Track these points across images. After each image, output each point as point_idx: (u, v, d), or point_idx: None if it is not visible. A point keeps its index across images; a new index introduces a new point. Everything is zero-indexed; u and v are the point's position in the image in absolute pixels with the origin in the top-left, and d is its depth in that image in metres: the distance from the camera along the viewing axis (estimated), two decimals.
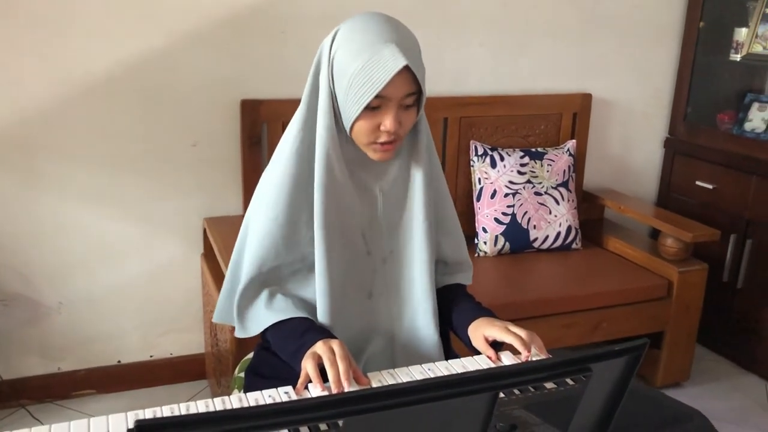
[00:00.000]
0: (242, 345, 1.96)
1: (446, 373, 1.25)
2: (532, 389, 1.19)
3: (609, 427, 0.94)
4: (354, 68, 1.21)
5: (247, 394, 1.17)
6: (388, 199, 1.40)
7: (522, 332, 1.29)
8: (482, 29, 2.69)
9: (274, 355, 1.44)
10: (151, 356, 2.56)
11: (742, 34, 2.90)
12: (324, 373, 1.16)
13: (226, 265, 2.01)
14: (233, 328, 1.95)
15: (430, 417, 0.79)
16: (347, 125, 1.27)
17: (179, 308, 2.54)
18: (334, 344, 1.20)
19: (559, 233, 2.68)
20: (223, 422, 0.71)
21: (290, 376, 1.36)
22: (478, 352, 1.37)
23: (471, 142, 2.68)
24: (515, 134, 2.80)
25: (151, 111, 2.34)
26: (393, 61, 1.19)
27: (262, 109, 2.41)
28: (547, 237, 2.67)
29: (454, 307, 1.45)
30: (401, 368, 1.27)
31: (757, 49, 2.86)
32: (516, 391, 1.17)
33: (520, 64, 2.80)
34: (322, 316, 1.34)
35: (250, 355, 1.69)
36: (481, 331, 1.34)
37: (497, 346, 1.34)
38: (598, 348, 0.86)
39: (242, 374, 1.64)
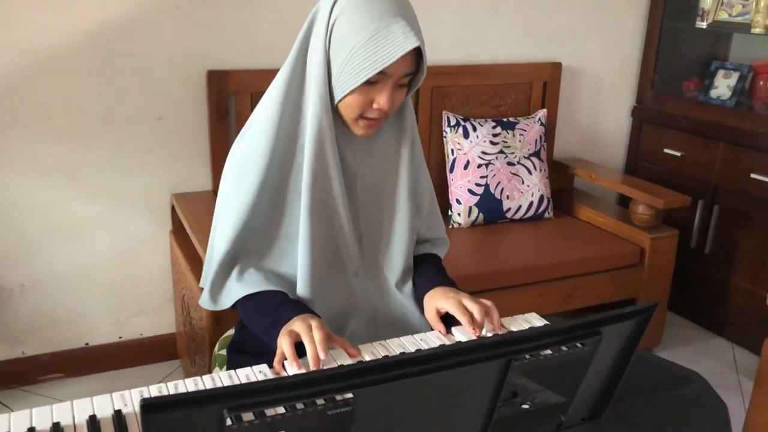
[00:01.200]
0: (219, 322, 1.91)
1: (438, 343, 1.23)
2: (528, 357, 1.18)
3: (616, 390, 0.93)
4: (359, 40, 1.16)
5: (237, 371, 1.12)
6: (368, 176, 1.36)
7: (475, 308, 1.23)
8: None
9: None
10: (120, 337, 2.49)
11: (707, 1, 2.92)
12: (301, 350, 1.12)
13: (200, 241, 1.97)
14: None
15: (443, 386, 0.77)
16: (338, 96, 1.22)
17: (148, 287, 2.47)
18: (312, 320, 1.16)
19: (531, 203, 2.68)
20: (230, 398, 0.67)
21: (275, 352, 1.33)
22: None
23: (443, 112, 2.65)
24: (486, 104, 2.77)
25: (114, 83, 2.25)
26: (404, 40, 1.15)
27: (230, 80, 2.33)
28: (520, 207, 2.66)
29: (416, 276, 1.42)
30: (392, 339, 1.24)
31: (723, 16, 2.88)
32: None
33: (490, 33, 2.77)
34: (302, 292, 1.30)
35: (231, 332, 1.65)
36: (433, 303, 1.31)
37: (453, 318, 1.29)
38: (608, 311, 0.85)
39: (223, 352, 1.59)
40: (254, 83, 2.35)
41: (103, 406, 0.95)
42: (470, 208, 2.60)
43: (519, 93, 2.83)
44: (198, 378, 1.09)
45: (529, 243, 2.57)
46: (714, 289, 2.85)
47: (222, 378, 1.09)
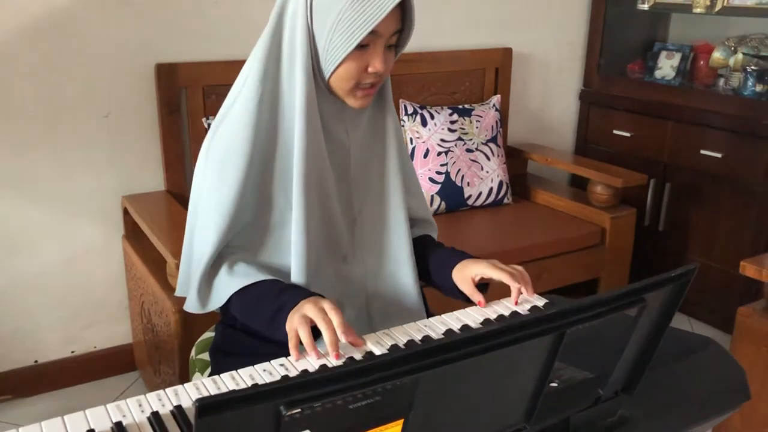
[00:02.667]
0: (189, 326, 1.81)
1: (444, 328, 1.18)
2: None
3: (651, 360, 0.91)
4: (344, 1, 1.10)
5: (240, 371, 1.05)
6: (359, 152, 1.30)
7: (511, 268, 1.23)
8: None
9: (242, 331, 1.32)
10: (72, 352, 2.33)
11: None
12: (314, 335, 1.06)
13: (163, 243, 1.85)
14: (176, 310, 1.81)
15: (498, 362, 0.72)
16: (330, 69, 1.16)
17: (101, 297, 2.32)
18: (325, 303, 1.10)
19: (491, 189, 2.67)
20: (287, 392, 0.60)
21: (268, 352, 1.24)
22: (465, 299, 1.30)
23: (400, 101, 2.61)
24: (441, 91, 2.75)
25: (55, 79, 2.10)
26: None
27: (180, 73, 2.22)
28: (480, 193, 2.65)
29: (431, 255, 1.37)
30: (396, 328, 1.18)
31: None
32: None
33: (443, 21, 2.74)
34: (297, 281, 1.22)
35: (207, 335, 1.56)
36: (467, 272, 1.27)
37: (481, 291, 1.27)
38: (652, 278, 0.82)
39: (203, 356, 1.50)
40: (206, 76, 2.24)
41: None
42: (432, 197, 2.57)
43: (473, 79, 2.81)
44: (200, 382, 1.01)
45: (493, 229, 2.56)
46: (669, 266, 2.90)
47: (225, 381, 1.01)
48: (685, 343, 1.08)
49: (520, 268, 1.25)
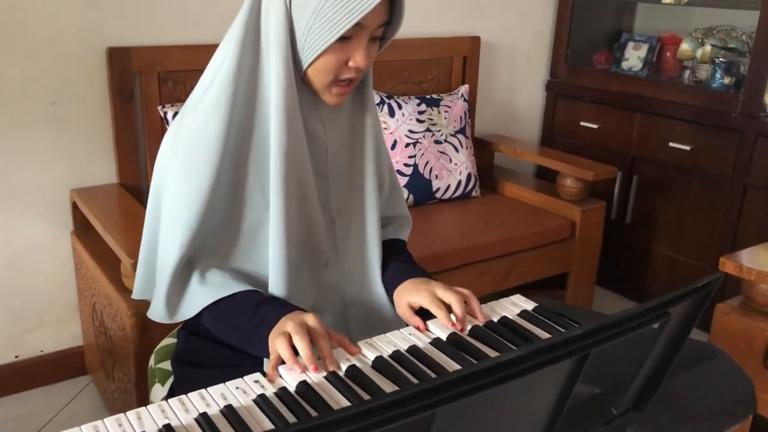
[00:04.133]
0: (146, 331, 1.68)
1: (428, 337, 1.09)
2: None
3: (665, 375, 0.84)
4: None
5: (210, 389, 0.94)
6: (337, 150, 1.21)
7: (452, 299, 1.11)
8: None
9: (208, 339, 1.22)
10: (16, 357, 2.17)
11: None
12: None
13: (116, 240, 1.72)
14: (132, 313, 1.69)
15: (514, 391, 0.64)
16: (308, 60, 1.06)
17: (48, 297, 2.17)
18: (308, 318, 1.01)
19: (460, 182, 2.59)
20: None
21: (237, 362, 1.15)
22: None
23: None
24: (409, 80, 2.66)
25: None
26: None
27: (134, 57, 2.07)
28: (449, 186, 2.57)
29: (385, 268, 1.28)
30: (379, 336, 1.10)
31: None
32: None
33: (410, 6, 2.63)
34: (275, 290, 1.13)
35: (167, 342, 1.44)
36: (405, 297, 1.18)
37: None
38: (672, 291, 0.74)
39: (163, 365, 1.39)
40: (162, 61, 2.10)
41: None
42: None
43: (440, 68, 2.73)
44: (165, 403, 0.90)
45: (462, 223, 2.49)
46: (636, 259, 2.89)
47: (193, 401, 0.91)
48: (694, 352, 1.02)
49: (466, 292, 1.13)
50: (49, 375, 2.21)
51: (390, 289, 1.24)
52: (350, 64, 1.07)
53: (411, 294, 1.17)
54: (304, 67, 1.07)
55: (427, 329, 1.12)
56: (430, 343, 1.07)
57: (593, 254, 2.62)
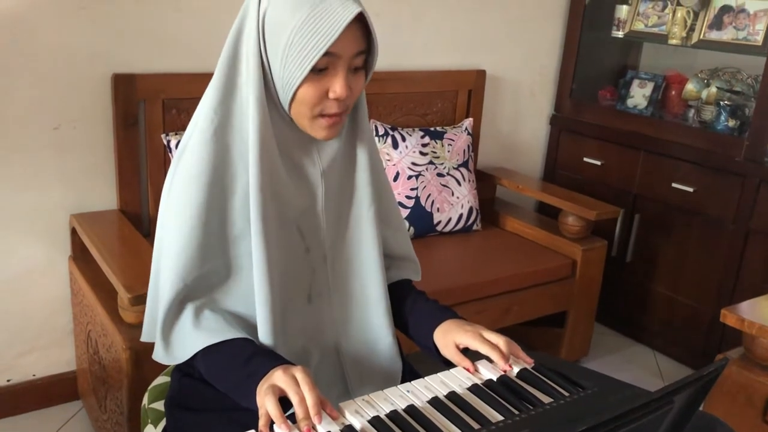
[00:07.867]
0: (140, 366, 1.67)
1: (429, 395, 1.08)
2: (530, 406, 1.05)
3: None
4: (296, 22, 1.02)
5: None
6: (331, 186, 1.21)
7: (499, 340, 1.14)
8: (377, 0, 2.50)
9: (202, 381, 1.20)
10: (8, 381, 2.15)
11: (623, 11, 2.94)
12: (284, 406, 0.96)
13: (111, 269, 1.71)
14: (127, 347, 1.67)
15: None
16: (287, 96, 1.07)
17: (43, 321, 2.15)
18: (297, 372, 1.00)
19: (461, 215, 2.58)
20: None
21: (231, 406, 1.15)
22: (442, 360, 1.22)
23: (371, 121, 2.50)
24: (413, 112, 2.66)
25: (1, 88, 1.92)
26: (343, 9, 1.02)
27: (139, 84, 2.06)
28: (450, 219, 2.56)
29: (411, 309, 1.29)
30: (376, 393, 1.08)
31: (639, 26, 2.91)
32: (515, 411, 1.03)
33: (415, 40, 2.65)
34: (263, 328, 1.13)
35: (161, 380, 1.43)
36: (450, 337, 1.18)
37: (467, 351, 1.19)
38: (682, 378, 0.73)
39: (156, 405, 1.37)
40: (166, 88, 2.10)
41: None
42: None
43: (445, 101, 2.73)
44: None
45: (462, 258, 2.47)
46: (636, 297, 2.88)
47: None
48: (693, 423, 1.00)
49: (505, 339, 1.15)
50: (41, 399, 2.19)
51: (425, 331, 1.23)
52: (330, 95, 1.07)
53: (457, 335, 1.17)
54: (287, 104, 1.09)
55: (477, 370, 1.13)
56: (428, 401, 1.06)
57: (593, 293, 2.61)
